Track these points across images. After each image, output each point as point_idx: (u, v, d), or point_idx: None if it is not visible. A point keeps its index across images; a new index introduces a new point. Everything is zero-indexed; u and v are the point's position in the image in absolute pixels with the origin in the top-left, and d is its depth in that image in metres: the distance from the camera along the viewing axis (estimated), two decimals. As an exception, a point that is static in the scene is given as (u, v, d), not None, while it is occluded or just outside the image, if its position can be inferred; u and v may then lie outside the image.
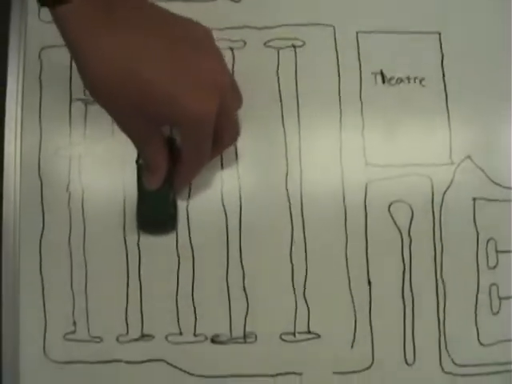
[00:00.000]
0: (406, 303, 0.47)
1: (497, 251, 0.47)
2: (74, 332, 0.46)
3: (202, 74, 0.38)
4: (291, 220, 0.47)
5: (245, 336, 0.46)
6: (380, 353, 0.46)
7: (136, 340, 0.46)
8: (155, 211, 0.46)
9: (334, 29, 0.48)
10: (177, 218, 0.46)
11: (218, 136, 0.41)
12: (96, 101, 0.38)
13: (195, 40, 0.39)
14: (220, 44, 0.41)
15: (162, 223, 0.46)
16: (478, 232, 0.47)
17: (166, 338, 0.46)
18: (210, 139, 0.41)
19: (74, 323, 0.46)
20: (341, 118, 0.48)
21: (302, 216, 0.47)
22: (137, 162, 0.46)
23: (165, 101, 0.37)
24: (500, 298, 0.47)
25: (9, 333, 0.46)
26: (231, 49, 0.48)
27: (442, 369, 0.46)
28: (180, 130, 0.40)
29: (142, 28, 0.37)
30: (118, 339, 0.46)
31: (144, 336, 0.46)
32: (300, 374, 0.46)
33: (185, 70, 0.38)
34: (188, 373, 0.46)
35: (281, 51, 0.48)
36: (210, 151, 0.42)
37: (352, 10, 0.49)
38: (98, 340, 0.46)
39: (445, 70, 0.48)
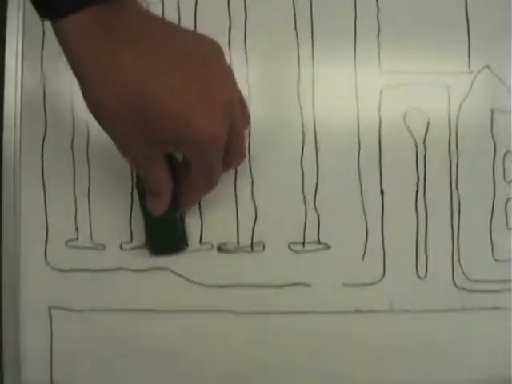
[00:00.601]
0: (419, 215, 0.45)
1: (514, 164, 0.46)
2: (76, 239, 0.45)
3: (213, 95, 0.35)
4: (302, 127, 0.45)
5: (252, 245, 0.45)
6: (391, 265, 0.45)
7: (140, 248, 0.45)
8: (164, 235, 0.43)
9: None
10: (186, 235, 0.44)
11: (226, 156, 0.39)
12: (98, 124, 0.36)
13: (204, 56, 0.36)
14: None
15: (174, 244, 0.44)
16: (495, 144, 0.46)
17: (172, 246, 0.45)
18: (220, 162, 0.38)
19: (77, 230, 0.45)
20: (355, 21, 0.46)
21: (314, 123, 0.45)
22: (137, 186, 0.43)
23: (175, 125, 0.35)
24: (516, 213, 0.46)
25: (9, 240, 0.45)
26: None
27: (455, 284, 0.45)
28: (189, 154, 0.37)
29: (147, 45, 0.35)
30: (121, 246, 0.45)
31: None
32: (308, 285, 0.45)
33: (195, 91, 0.35)
34: (193, 282, 0.45)
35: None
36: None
37: None
38: (101, 247, 0.45)
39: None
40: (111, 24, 0.34)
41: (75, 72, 0.34)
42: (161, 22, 0.37)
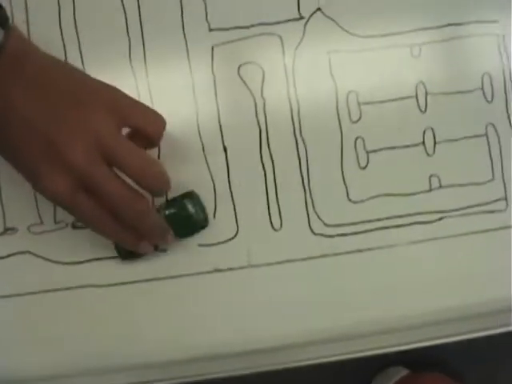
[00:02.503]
0: (266, 166, 0.45)
1: (359, 103, 0.45)
2: None
3: (56, 151, 0.37)
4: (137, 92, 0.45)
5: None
6: (244, 220, 0.45)
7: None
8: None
9: None
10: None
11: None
12: None
13: (74, 107, 0.37)
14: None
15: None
16: (336, 85, 0.45)
17: (29, 228, 0.45)
18: (87, 208, 0.39)
19: None
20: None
21: (149, 89, 0.45)
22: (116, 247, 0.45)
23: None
24: (367, 152, 0.45)
25: None
26: None
27: (312, 231, 0.45)
28: None
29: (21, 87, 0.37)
30: (-18, 235, 0.46)
31: (7, 229, 0.46)
32: (164, 250, 0.45)
33: (40, 144, 0.37)
34: (53, 261, 0.45)
35: None
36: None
37: None
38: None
39: None
40: None
41: None
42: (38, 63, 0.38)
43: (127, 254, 0.44)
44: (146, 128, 0.39)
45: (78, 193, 0.38)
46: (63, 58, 0.45)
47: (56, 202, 0.38)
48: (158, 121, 0.40)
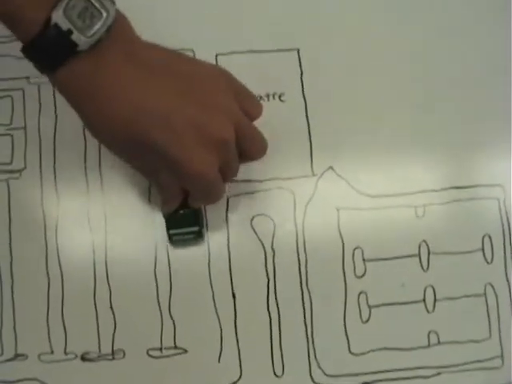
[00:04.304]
0: (272, 315, 0.47)
1: (364, 259, 0.48)
2: None
3: (205, 131, 0.38)
4: (154, 236, 0.48)
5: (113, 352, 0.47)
6: (248, 366, 0.46)
7: (10, 360, 0.47)
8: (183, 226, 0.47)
9: (193, 52, 0.50)
10: (203, 228, 0.47)
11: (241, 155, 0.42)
12: None
13: (204, 92, 0.39)
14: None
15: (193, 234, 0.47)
16: (343, 241, 0.48)
17: (39, 357, 0.47)
18: (217, 187, 0.42)
19: None
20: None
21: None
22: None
23: (164, 159, 0.38)
24: (370, 307, 0.47)
25: None
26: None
27: (312, 379, 0.46)
28: (182, 183, 0.42)
29: (140, 77, 0.37)
30: (-6, 360, 0.47)
31: (18, 355, 0.47)
32: (169, 389, 0.46)
33: (186, 127, 0.38)
34: (59, 391, 0.47)
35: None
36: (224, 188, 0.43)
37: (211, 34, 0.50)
38: (-26, 361, 0.47)
39: (304, 84, 0.50)
40: (100, 63, 0.36)
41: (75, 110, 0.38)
42: (154, 51, 0.39)
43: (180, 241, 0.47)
44: (252, 110, 0.42)
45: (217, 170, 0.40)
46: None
47: (203, 181, 0.40)
48: (260, 105, 0.43)
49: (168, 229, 0.47)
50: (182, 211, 0.46)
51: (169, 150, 0.38)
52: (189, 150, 0.38)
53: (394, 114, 0.50)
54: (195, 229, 0.46)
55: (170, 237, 0.47)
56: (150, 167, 0.41)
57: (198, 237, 0.47)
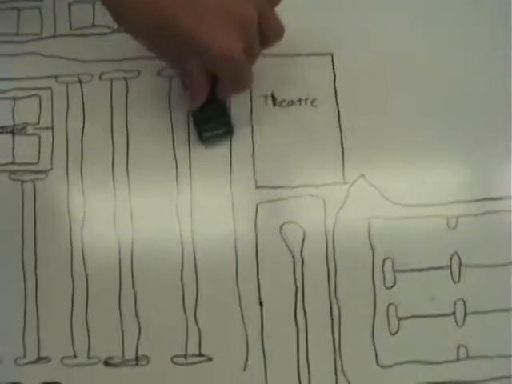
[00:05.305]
0: (299, 324, 0.46)
1: (394, 270, 0.47)
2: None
3: (230, 12, 0.40)
4: (181, 241, 0.47)
5: (137, 358, 0.46)
6: (273, 375, 0.46)
7: (33, 363, 0.47)
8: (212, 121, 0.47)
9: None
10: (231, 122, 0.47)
11: (262, 36, 0.43)
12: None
13: None
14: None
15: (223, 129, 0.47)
16: (373, 251, 0.47)
17: (62, 360, 0.47)
18: (244, 68, 0.42)
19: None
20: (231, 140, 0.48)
21: (193, 238, 0.47)
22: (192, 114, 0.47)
23: (190, 43, 0.40)
24: (399, 318, 0.46)
25: None
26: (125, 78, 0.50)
27: (339, 392, 0.46)
28: (211, 67, 0.42)
29: None
30: (15, 362, 0.47)
31: (41, 358, 0.47)
32: (193, 397, 0.46)
33: (210, 9, 0.40)
34: (83, 395, 0.46)
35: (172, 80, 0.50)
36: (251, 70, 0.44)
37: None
38: (-3, 362, 0.47)
39: (337, 89, 0.49)
40: None
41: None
42: None
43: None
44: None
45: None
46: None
47: (231, 60, 0.41)
48: None
49: (198, 128, 0.47)
50: (209, 108, 0.46)
51: (194, 32, 0.39)
52: (214, 31, 0.39)
53: (429, 124, 0.49)
54: (224, 122, 0.46)
55: (201, 135, 0.47)
56: (176, 54, 0.42)
57: (228, 132, 0.47)
